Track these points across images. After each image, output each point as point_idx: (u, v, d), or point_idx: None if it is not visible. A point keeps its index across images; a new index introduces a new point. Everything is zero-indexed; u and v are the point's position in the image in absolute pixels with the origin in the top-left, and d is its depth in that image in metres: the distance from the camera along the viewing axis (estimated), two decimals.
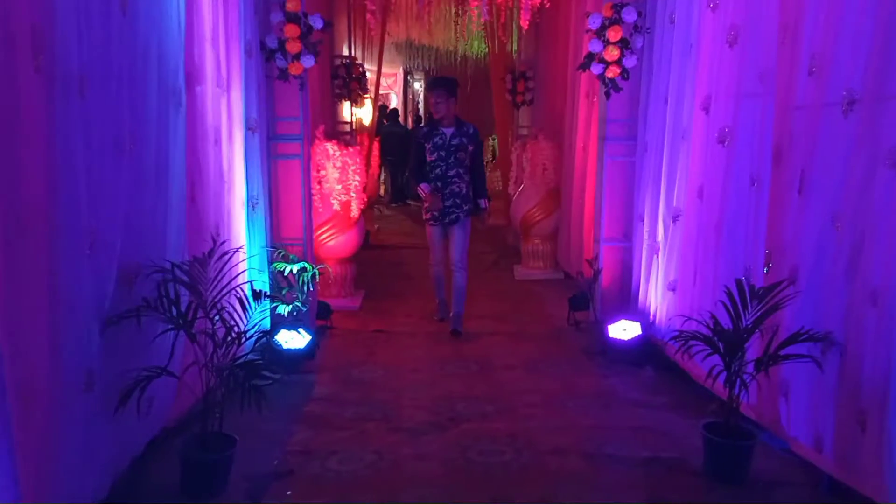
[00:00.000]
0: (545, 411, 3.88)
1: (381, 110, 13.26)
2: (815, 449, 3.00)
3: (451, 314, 5.37)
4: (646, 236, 4.79)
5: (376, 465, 3.26)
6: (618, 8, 4.63)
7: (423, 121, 14.51)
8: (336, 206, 5.76)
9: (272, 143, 4.88)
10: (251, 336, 3.21)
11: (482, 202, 5.31)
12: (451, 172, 5.17)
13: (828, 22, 2.97)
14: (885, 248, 2.61)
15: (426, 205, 5.25)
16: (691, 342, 3.22)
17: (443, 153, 5.16)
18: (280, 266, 4.77)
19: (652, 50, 4.72)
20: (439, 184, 5.17)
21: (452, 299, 5.35)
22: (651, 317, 4.67)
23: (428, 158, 5.19)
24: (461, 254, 5.30)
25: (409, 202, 12.10)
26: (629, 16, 4.62)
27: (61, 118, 2.31)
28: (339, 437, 3.53)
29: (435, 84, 5.38)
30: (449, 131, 5.18)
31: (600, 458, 3.32)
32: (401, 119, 14.12)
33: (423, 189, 5.20)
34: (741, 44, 3.62)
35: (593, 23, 4.71)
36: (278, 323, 4.58)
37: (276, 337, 4.38)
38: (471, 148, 5.20)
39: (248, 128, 4.38)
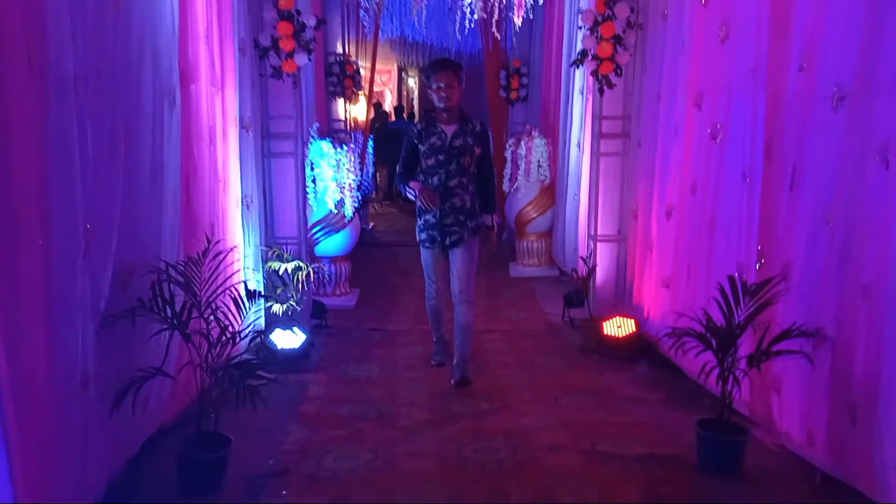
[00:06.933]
0: (540, 408, 3.89)
1: (390, 109, 13.28)
2: (808, 443, 3.02)
3: (454, 360, 4.27)
4: (640, 233, 4.80)
5: (372, 463, 3.26)
6: (610, 4, 4.65)
7: (416, 118, 14.39)
8: (330, 205, 5.76)
9: (266, 141, 4.88)
10: (246, 336, 3.21)
11: (489, 219, 4.23)
12: (453, 182, 4.08)
13: (818, 16, 2.98)
14: (876, 243, 2.62)
15: (423, 203, 4.06)
16: (684, 339, 3.22)
17: (441, 157, 4.06)
18: (275, 265, 4.77)
19: (645, 46, 4.74)
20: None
21: (455, 341, 4.27)
22: (645, 313, 4.69)
23: (424, 164, 4.13)
24: (467, 283, 4.19)
25: (401, 200, 12.06)
26: (622, 12, 4.64)
27: (55, 117, 2.30)
28: (334, 436, 3.54)
29: (440, 66, 4.15)
30: (450, 130, 4.08)
31: (596, 455, 3.33)
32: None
33: (414, 187, 4.08)
34: (732, 39, 3.64)
35: (586, 19, 4.72)
36: (273, 322, 4.58)
37: (271, 336, 4.38)
38: (477, 151, 4.10)
39: (242, 126, 4.38)
